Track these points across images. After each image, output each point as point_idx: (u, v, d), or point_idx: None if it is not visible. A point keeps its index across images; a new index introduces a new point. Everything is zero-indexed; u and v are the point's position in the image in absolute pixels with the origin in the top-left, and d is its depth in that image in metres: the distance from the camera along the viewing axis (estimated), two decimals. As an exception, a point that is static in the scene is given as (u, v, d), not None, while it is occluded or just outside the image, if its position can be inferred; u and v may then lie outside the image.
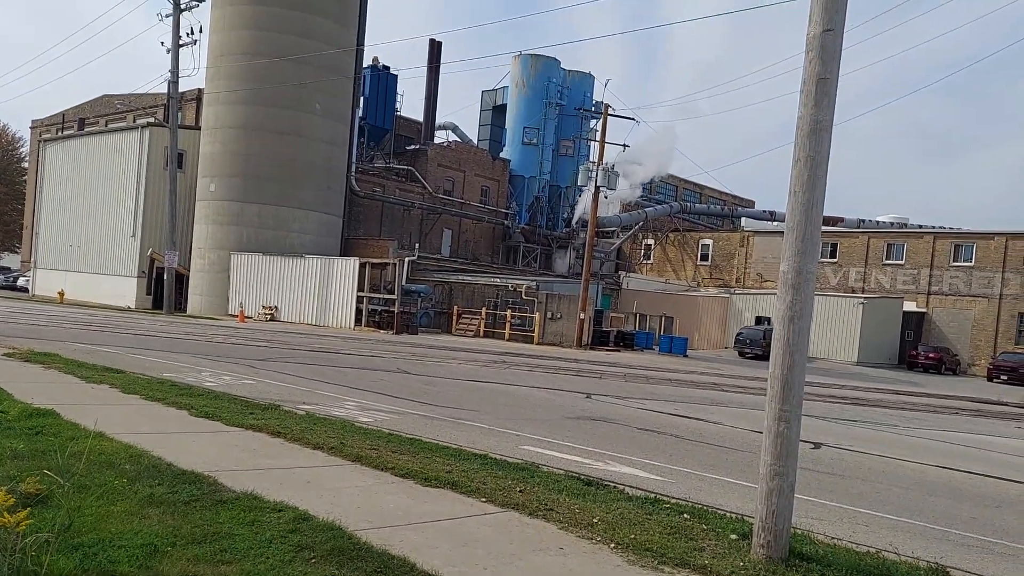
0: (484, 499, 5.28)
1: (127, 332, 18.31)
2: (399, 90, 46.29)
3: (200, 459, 5.63)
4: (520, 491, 5.51)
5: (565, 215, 50.88)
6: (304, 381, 11.71)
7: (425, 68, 45.51)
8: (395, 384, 12.39)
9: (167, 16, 32.84)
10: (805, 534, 5.05)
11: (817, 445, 9.51)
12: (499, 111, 52.19)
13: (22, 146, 67.05)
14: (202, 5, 33.57)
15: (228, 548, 3.79)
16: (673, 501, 5.71)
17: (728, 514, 5.48)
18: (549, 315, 31.67)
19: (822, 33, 4.41)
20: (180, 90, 34.14)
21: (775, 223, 52.53)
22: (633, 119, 49.82)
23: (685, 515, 5.28)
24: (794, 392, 4.49)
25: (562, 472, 6.34)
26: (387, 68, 45.12)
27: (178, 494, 4.62)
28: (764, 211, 56.48)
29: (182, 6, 32.91)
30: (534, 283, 33.98)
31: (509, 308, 32.91)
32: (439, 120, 50.32)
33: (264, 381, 11.22)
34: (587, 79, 51.16)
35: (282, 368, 13.31)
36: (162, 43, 33.92)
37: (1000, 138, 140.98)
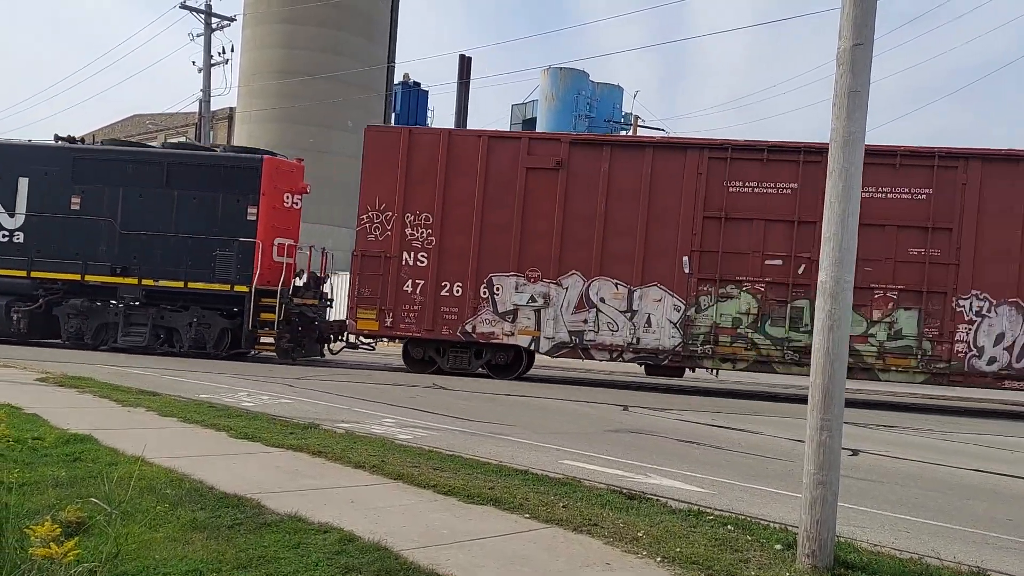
0: (528, 515, 5.27)
1: (160, 352, 18.54)
2: (430, 105, 46.73)
3: (242, 481, 5.69)
4: (563, 506, 5.50)
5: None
6: (341, 399, 11.79)
7: (455, 84, 45.84)
8: (432, 400, 12.43)
9: (198, 36, 33.45)
10: (849, 542, 4.98)
11: (855, 452, 9.40)
12: (528, 124, 52.41)
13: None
14: (233, 25, 34.17)
15: (274, 572, 3.81)
16: (717, 513, 5.65)
17: (772, 524, 5.42)
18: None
19: (852, 47, 4.45)
20: (212, 109, 34.70)
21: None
22: (663, 130, 49.89)
23: (729, 527, 5.23)
24: (835, 401, 4.48)
25: (604, 486, 6.31)
26: (418, 84, 45.55)
27: (221, 518, 4.66)
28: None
29: (213, 26, 33.50)
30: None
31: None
32: (468, 134, 50.57)
33: (301, 400, 11.32)
34: (616, 91, 51.26)
35: (318, 386, 13.42)
36: (193, 63, 34.58)
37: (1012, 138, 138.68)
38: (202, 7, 33.54)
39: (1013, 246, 15.41)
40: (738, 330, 16.01)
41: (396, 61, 40.11)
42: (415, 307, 16.93)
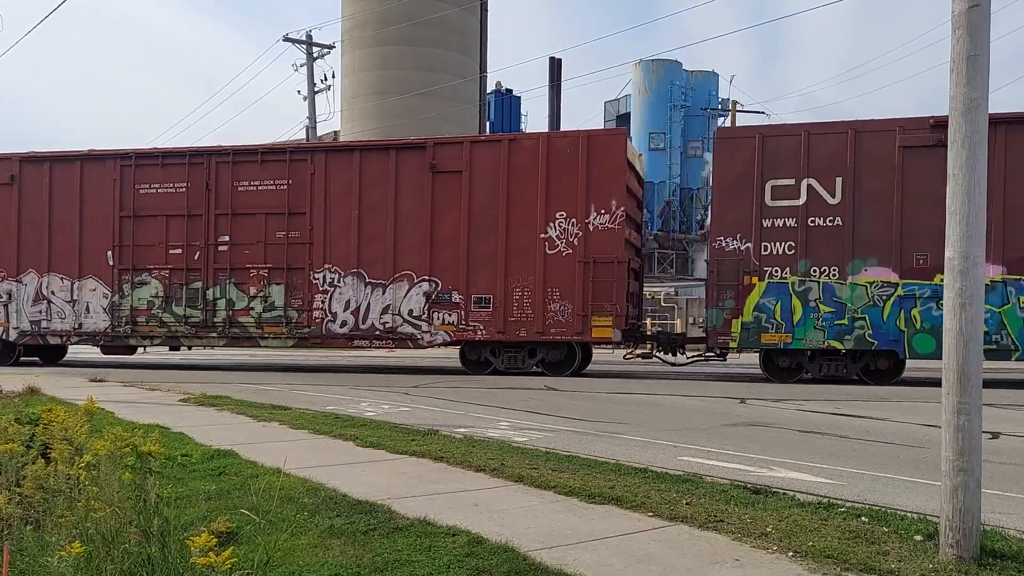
0: (651, 513, 5.25)
1: (284, 371, 19.36)
2: (523, 111, 47.00)
3: (372, 488, 5.89)
4: (686, 503, 5.45)
5: (698, 217, 49.87)
6: (456, 404, 12.02)
7: (547, 87, 46.00)
8: (544, 401, 12.51)
9: (302, 66, 34.83)
10: (995, 530, 4.73)
11: (995, 435, 8.92)
12: (623, 119, 51.96)
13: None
14: (333, 52, 35.41)
15: (409, 575, 3.94)
16: (848, 504, 5.48)
17: (908, 515, 5.20)
18: (691, 321, 31.05)
19: (968, 10, 4.24)
20: (318, 134, 36.04)
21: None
22: (763, 112, 48.58)
23: (863, 518, 5.06)
24: (972, 382, 4.27)
25: (727, 481, 6.22)
26: (510, 91, 45.90)
27: (356, 524, 4.85)
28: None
29: (314, 55, 34.82)
30: (672, 289, 33.47)
31: (648, 316, 32.51)
32: (563, 136, 50.63)
33: (419, 407, 11.60)
34: (711, 77, 50.25)
35: (434, 393, 13.72)
36: (298, 91, 36.07)
37: None
38: (303, 38, 34.94)
39: (352, 225, 17.94)
40: (152, 311, 18.98)
41: (488, 70, 40.66)
42: None
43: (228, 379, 16.32)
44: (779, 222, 16.02)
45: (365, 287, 17.90)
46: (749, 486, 6.01)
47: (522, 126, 46.82)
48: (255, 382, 15.65)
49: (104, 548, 3.40)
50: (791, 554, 4.37)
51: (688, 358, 18.30)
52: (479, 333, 17.35)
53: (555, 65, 46.02)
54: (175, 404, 11.73)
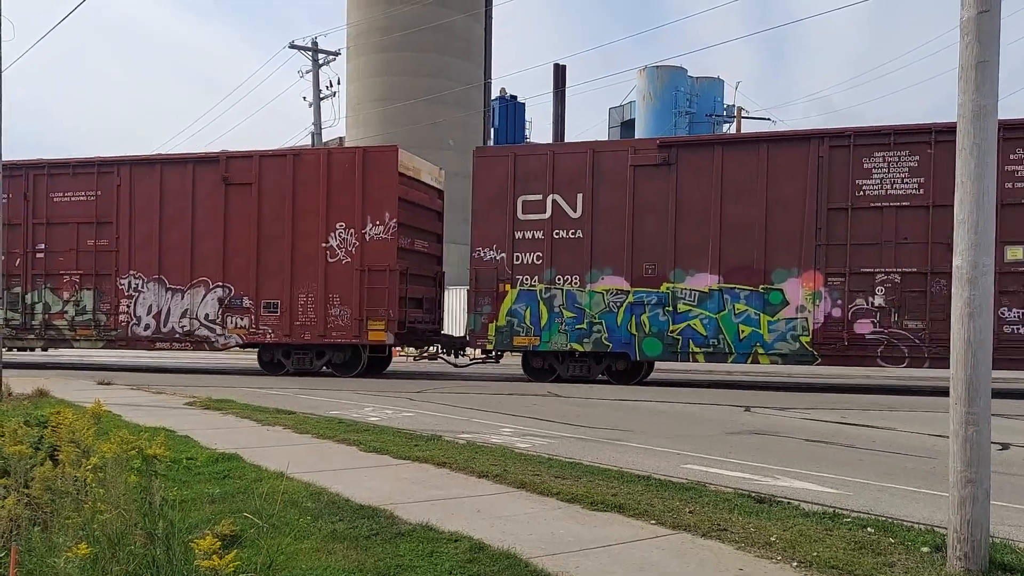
0: (653, 521, 5.23)
1: (292, 376, 19.40)
2: (527, 117, 47.04)
3: (375, 493, 5.88)
4: (690, 512, 5.42)
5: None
6: (460, 410, 12.00)
7: (551, 93, 46.05)
8: (547, 408, 12.49)
9: (307, 72, 34.95)
10: (1005, 542, 4.69)
11: (1005, 446, 8.86)
12: (627, 126, 52.09)
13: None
14: (338, 58, 35.50)
15: (412, 580, 3.93)
16: (853, 515, 5.44)
17: (916, 526, 5.17)
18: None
19: (977, 15, 4.20)
20: (323, 140, 36.10)
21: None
22: (769, 119, 48.61)
23: (869, 529, 5.03)
24: (981, 393, 4.24)
25: (731, 490, 6.18)
26: (514, 97, 45.94)
27: (359, 529, 4.85)
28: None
29: (320, 61, 34.93)
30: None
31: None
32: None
33: (423, 413, 11.59)
34: (716, 83, 50.39)
35: (437, 398, 13.71)
36: (304, 98, 36.23)
37: None
38: (308, 45, 35.05)
39: (155, 233, 18.94)
40: None
41: (492, 77, 40.72)
42: None
43: (233, 383, 16.34)
44: (529, 234, 17.41)
45: (166, 292, 19.12)
46: (753, 495, 5.99)
47: (526, 132, 46.87)
48: (259, 386, 15.67)
49: (110, 550, 3.43)
50: (795, 564, 4.35)
51: (471, 359, 19.44)
52: (268, 336, 18.55)
53: (559, 72, 46.07)
54: (181, 407, 11.75)
